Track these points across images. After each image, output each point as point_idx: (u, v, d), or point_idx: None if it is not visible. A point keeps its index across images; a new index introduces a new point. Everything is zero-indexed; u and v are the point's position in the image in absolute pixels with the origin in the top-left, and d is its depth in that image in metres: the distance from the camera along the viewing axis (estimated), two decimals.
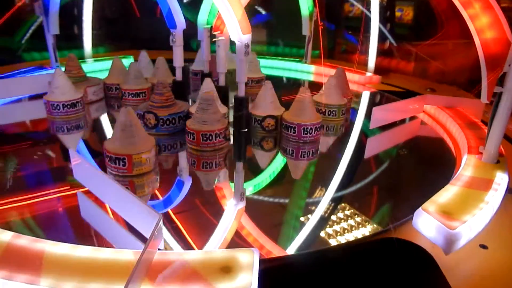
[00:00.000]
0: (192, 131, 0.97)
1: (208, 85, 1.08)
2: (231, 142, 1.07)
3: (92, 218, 0.74)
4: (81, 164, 0.75)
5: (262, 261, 0.54)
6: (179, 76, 1.22)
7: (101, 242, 0.67)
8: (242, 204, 0.82)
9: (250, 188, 0.90)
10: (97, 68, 1.82)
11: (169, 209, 0.78)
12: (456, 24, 1.71)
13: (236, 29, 1.03)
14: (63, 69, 1.30)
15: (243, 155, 1.10)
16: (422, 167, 1.06)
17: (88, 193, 0.77)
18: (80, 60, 1.83)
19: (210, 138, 0.97)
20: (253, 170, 1.00)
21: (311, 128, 1.06)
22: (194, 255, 0.54)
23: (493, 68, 0.83)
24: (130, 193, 0.64)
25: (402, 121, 1.30)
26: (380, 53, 1.85)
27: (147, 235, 0.60)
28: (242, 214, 0.78)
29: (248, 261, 0.53)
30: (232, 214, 0.78)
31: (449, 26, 1.83)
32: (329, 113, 1.23)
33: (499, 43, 0.81)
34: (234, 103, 1.15)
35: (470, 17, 0.82)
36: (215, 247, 0.67)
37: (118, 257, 0.54)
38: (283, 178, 0.97)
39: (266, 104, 1.11)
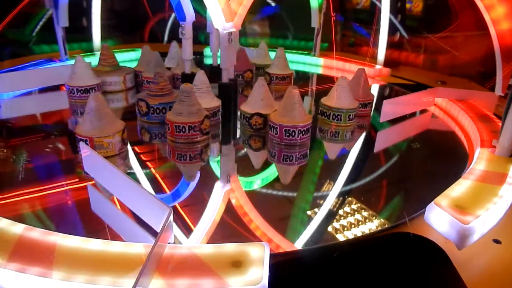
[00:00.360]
0: (167, 122, 0.97)
1: (200, 77, 1.08)
2: (210, 136, 1.04)
3: (102, 212, 0.74)
4: (91, 156, 0.75)
5: (272, 256, 0.54)
6: (188, 69, 1.21)
7: (112, 235, 0.67)
8: (229, 186, 0.83)
9: (258, 181, 0.89)
10: None
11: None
12: (468, 15, 1.68)
13: (220, 16, 1.06)
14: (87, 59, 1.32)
15: (231, 139, 1.11)
16: (433, 161, 1.04)
17: (98, 186, 0.77)
18: (89, 53, 1.85)
19: (183, 130, 0.96)
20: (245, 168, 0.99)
21: (293, 131, 0.98)
22: (205, 249, 0.54)
23: (508, 60, 0.81)
24: (140, 186, 0.63)
25: (413, 115, 1.28)
26: (390, 45, 1.83)
27: (157, 229, 0.60)
28: (228, 196, 0.79)
29: (259, 255, 0.53)
30: (219, 197, 0.79)
31: (462, 17, 1.80)
32: (334, 117, 1.12)
33: None
34: (219, 89, 1.16)
35: (486, 7, 0.80)
36: (203, 230, 0.69)
37: (128, 250, 0.54)
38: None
39: (256, 101, 1.05)
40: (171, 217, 0.58)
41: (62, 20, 1.54)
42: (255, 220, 0.74)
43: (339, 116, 1.11)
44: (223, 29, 1.07)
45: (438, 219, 0.67)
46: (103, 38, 1.93)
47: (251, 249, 0.53)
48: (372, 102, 1.24)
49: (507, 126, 0.84)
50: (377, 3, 1.73)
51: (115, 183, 0.71)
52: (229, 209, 0.77)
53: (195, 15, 1.14)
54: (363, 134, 1.16)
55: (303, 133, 0.98)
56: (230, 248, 0.54)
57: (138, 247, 0.54)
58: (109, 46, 1.46)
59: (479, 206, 0.67)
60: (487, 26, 0.80)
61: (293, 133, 0.97)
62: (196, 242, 0.66)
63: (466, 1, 0.85)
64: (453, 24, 1.83)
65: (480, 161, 0.84)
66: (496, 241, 0.68)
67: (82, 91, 1.22)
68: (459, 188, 0.73)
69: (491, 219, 0.68)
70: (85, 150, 0.76)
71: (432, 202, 0.68)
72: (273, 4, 2.27)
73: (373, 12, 1.85)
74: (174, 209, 0.76)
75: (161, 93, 1.08)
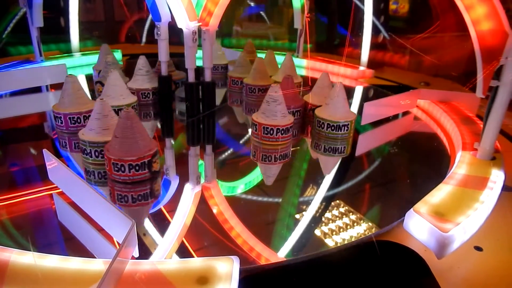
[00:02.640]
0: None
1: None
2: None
3: (69, 222, 0.70)
4: (56, 167, 0.71)
5: (242, 270, 0.51)
6: (164, 71, 1.17)
7: (79, 247, 0.63)
8: (199, 188, 0.80)
9: (241, 186, 0.87)
10: (83, 62, 1.76)
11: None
12: (451, 16, 1.67)
13: (183, 16, 1.04)
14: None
15: (197, 139, 1.10)
16: (415, 164, 1.02)
17: (64, 194, 0.73)
18: (66, 54, 1.80)
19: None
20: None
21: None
22: (169, 265, 0.50)
23: (489, 61, 0.79)
24: (104, 198, 0.60)
25: (395, 117, 1.26)
26: (374, 46, 1.81)
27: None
28: (199, 198, 0.77)
29: (227, 270, 0.49)
30: (189, 199, 0.76)
31: (444, 18, 1.79)
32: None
33: (495, 34, 0.77)
34: (185, 90, 1.15)
35: (466, 7, 0.78)
36: (174, 235, 0.66)
37: (87, 267, 0.50)
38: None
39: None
40: (135, 231, 0.54)
41: (37, 20, 1.49)
42: (236, 227, 0.71)
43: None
44: (187, 28, 1.06)
45: (417, 226, 0.64)
46: (82, 38, 1.88)
47: (219, 264, 0.50)
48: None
49: (488, 129, 0.83)
50: (360, 4, 1.71)
51: (80, 194, 0.67)
52: (205, 215, 0.74)
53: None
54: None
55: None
56: (196, 263, 0.51)
57: (98, 264, 0.51)
58: (86, 47, 1.42)
59: (459, 213, 0.65)
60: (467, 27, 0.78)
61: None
62: (162, 256, 0.62)
63: (448, 2, 0.83)
64: (436, 24, 1.82)
65: (461, 164, 0.82)
66: (478, 248, 0.65)
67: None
68: (439, 193, 0.71)
69: (472, 226, 0.66)
70: (51, 160, 0.72)
71: (411, 209, 0.66)
72: (252, 4, 2.25)
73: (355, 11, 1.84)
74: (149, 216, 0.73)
75: None
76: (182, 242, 0.66)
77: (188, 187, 0.82)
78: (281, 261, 0.62)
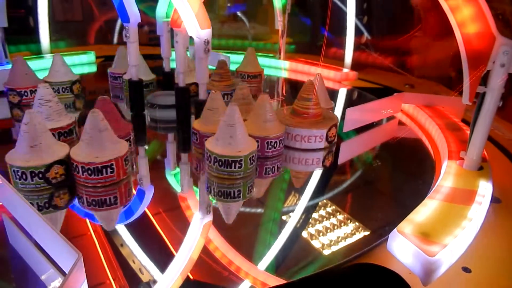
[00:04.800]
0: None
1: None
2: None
3: (20, 246, 0.63)
4: (4, 187, 0.64)
5: None
6: (134, 75, 1.10)
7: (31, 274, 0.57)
8: (209, 218, 0.72)
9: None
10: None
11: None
12: (436, 16, 1.64)
13: (193, 23, 0.91)
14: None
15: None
16: (399, 175, 0.97)
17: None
18: (35, 56, 1.70)
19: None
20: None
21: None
22: None
23: (475, 66, 0.74)
24: (51, 226, 0.53)
25: (379, 122, 1.21)
26: (357, 47, 1.76)
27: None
28: (209, 229, 0.69)
29: None
30: (198, 229, 0.69)
31: (429, 18, 1.76)
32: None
33: (482, 38, 0.72)
34: (195, 107, 1.04)
35: (451, 8, 0.73)
36: (179, 267, 0.58)
37: None
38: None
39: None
40: (81, 264, 0.47)
41: (1, 20, 1.40)
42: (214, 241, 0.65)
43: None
44: (198, 37, 0.91)
45: (402, 248, 0.59)
46: (54, 39, 1.79)
47: None
48: (332, 109, 1.16)
49: (475, 139, 0.78)
50: (342, 6, 1.67)
51: (27, 219, 0.59)
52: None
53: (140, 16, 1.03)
54: None
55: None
56: None
57: None
58: (58, 48, 1.34)
59: (446, 233, 0.60)
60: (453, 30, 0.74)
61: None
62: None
63: (432, 2, 0.78)
64: (420, 25, 1.79)
65: (447, 176, 0.77)
66: (466, 270, 0.60)
67: None
68: (425, 210, 0.65)
69: (460, 246, 0.61)
70: None
71: (395, 229, 0.60)
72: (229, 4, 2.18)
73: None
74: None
75: None
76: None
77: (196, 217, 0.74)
78: None
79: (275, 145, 0.90)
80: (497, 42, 0.71)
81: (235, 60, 1.69)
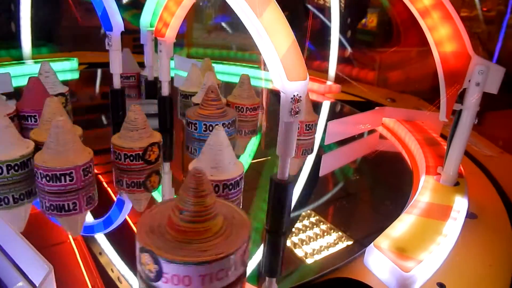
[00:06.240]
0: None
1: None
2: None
3: None
4: None
5: None
6: (116, 84, 1.09)
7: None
8: None
9: None
10: (34, 71, 1.64)
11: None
12: (418, 31, 1.68)
13: (277, 69, 0.58)
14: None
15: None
16: (378, 189, 0.98)
17: None
18: (16, 62, 1.67)
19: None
20: None
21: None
22: None
23: (452, 84, 0.76)
24: (21, 238, 0.51)
25: (361, 135, 1.23)
26: (341, 60, 1.79)
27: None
28: None
29: None
30: None
31: (409, 33, 1.80)
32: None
33: (458, 57, 0.74)
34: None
35: (429, 28, 0.75)
36: None
37: None
38: None
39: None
40: (52, 277, 0.46)
41: None
42: None
43: None
44: (283, 91, 0.60)
45: (378, 263, 0.59)
46: (35, 45, 1.77)
47: None
48: (316, 123, 1.13)
49: (451, 155, 0.80)
50: (326, 21, 1.69)
51: None
52: None
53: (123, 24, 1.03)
54: (308, 157, 1.08)
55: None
56: None
57: None
58: (40, 54, 1.31)
59: (421, 248, 0.61)
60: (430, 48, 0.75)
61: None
62: None
63: (411, 21, 0.80)
64: (402, 40, 1.83)
65: (424, 191, 0.78)
66: (441, 285, 0.61)
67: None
68: (401, 225, 0.66)
69: (434, 262, 0.61)
70: None
71: (372, 244, 0.61)
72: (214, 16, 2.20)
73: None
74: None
75: None
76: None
77: None
78: None
79: None
80: (472, 61, 0.73)
81: (220, 70, 1.70)
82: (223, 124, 1.00)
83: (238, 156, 0.82)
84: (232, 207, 0.59)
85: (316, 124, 1.12)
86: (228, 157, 0.75)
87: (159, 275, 0.48)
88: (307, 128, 1.09)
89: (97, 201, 0.77)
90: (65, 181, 0.74)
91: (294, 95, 0.60)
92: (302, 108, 0.61)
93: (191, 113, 1.03)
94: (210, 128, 1.00)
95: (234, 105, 1.20)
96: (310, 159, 1.06)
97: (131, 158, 0.85)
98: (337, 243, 0.70)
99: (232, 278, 0.51)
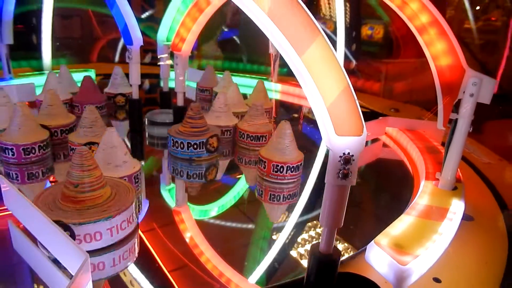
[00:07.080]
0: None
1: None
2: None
3: (24, 251, 0.67)
4: (11, 191, 0.69)
5: None
6: (135, 94, 1.16)
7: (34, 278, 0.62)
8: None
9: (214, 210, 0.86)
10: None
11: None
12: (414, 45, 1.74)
13: (324, 119, 0.50)
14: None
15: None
16: (381, 193, 1.04)
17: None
18: (37, 72, 1.76)
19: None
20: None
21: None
22: None
23: (448, 95, 0.82)
24: (58, 228, 0.58)
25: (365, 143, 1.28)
26: (347, 72, 1.85)
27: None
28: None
29: None
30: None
31: (407, 48, 1.86)
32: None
33: (454, 70, 0.80)
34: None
35: (426, 43, 0.81)
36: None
37: None
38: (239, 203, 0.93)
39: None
40: (88, 265, 0.52)
41: (6, 37, 1.46)
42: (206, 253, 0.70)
43: None
44: (330, 148, 0.51)
45: (378, 259, 0.65)
46: (55, 56, 1.85)
47: None
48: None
49: (449, 160, 0.85)
50: (331, 34, 1.76)
51: (34, 223, 0.64)
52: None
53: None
54: (315, 159, 1.14)
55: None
56: None
57: None
58: (58, 65, 1.40)
59: (418, 245, 0.66)
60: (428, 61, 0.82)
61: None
62: None
63: (410, 36, 0.86)
64: (405, 51, 1.89)
65: (423, 195, 0.84)
66: (436, 280, 0.66)
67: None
68: (401, 225, 0.72)
69: (430, 257, 0.67)
70: (4, 185, 0.69)
71: (372, 241, 0.66)
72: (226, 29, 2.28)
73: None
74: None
75: None
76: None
77: None
78: None
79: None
80: (466, 74, 0.79)
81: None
82: (188, 143, 1.00)
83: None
84: (116, 180, 0.75)
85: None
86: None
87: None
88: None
89: None
90: None
91: (344, 153, 0.51)
92: (355, 170, 0.52)
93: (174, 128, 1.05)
94: (179, 144, 1.01)
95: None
96: (318, 162, 1.12)
97: None
98: (341, 243, 0.76)
99: (130, 230, 0.68)
